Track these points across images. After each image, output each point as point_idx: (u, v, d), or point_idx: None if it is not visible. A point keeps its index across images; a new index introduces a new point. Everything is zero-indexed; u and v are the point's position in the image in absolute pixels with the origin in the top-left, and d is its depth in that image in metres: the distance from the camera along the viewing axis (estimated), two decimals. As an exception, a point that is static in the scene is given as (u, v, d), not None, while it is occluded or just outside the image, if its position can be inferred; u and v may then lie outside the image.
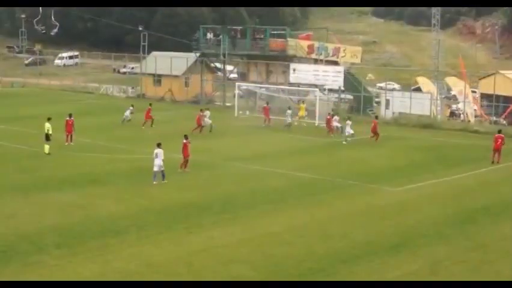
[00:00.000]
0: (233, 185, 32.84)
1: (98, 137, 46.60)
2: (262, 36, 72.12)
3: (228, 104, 65.65)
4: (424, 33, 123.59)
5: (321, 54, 67.66)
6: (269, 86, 67.61)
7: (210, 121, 51.17)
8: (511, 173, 37.82)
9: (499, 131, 40.42)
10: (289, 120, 53.61)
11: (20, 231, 23.63)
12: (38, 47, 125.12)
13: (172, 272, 19.70)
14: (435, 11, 64.65)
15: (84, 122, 51.51)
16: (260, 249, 22.13)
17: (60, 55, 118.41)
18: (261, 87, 67.47)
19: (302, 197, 30.34)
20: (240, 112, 62.75)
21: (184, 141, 35.09)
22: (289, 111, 53.96)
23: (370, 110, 65.57)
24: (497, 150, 39.28)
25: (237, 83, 68.63)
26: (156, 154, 32.13)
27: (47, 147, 39.71)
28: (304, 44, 68.90)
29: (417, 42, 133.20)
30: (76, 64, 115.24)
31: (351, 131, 47.20)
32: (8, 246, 21.87)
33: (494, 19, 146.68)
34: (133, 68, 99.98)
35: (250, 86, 68.75)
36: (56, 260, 20.46)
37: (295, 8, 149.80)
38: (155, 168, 32.06)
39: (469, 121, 60.88)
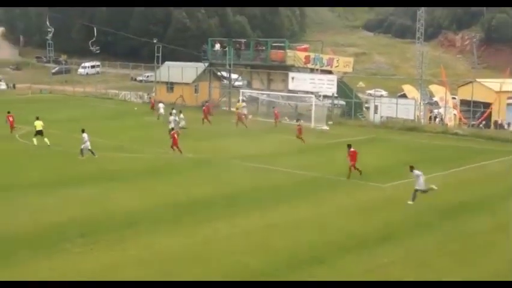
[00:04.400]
0: (237, 181, 32.75)
1: (117, 138, 46.66)
2: (263, 48, 71.92)
3: (233, 109, 65.58)
4: (409, 45, 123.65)
5: (316, 64, 67.73)
6: (270, 92, 67.82)
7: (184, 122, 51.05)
8: (488, 172, 37.71)
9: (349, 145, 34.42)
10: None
11: (47, 223, 23.79)
12: (63, 58, 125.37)
13: (182, 260, 19.84)
14: (420, 26, 64.72)
15: (104, 125, 51.59)
16: (261, 240, 22.17)
17: (83, 65, 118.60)
18: (262, 94, 67.73)
19: (300, 193, 30.28)
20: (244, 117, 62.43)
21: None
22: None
23: (360, 115, 65.67)
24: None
25: (241, 90, 68.88)
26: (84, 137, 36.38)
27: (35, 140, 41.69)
28: (302, 55, 68.80)
29: (403, 54, 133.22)
30: (98, 73, 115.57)
31: None
32: (36, 236, 22.16)
33: (473, 32, 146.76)
34: (148, 76, 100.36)
35: (253, 92, 68.91)
36: (79, 248, 20.67)
37: (294, 22, 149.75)
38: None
39: (447, 124, 60.96)
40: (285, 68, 68.17)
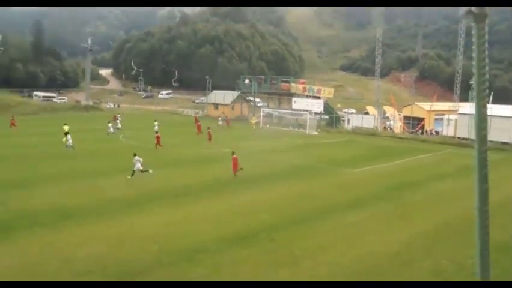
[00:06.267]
0: (253, 168, 31.74)
1: (181, 139, 46.59)
2: (276, 82, 73.30)
3: (256, 121, 65.67)
4: (370, 80, 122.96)
5: (310, 92, 67.93)
6: (280, 110, 68.01)
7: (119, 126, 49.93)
8: (422, 162, 37.27)
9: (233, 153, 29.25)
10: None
11: (135, 192, 23.42)
12: (149, 88, 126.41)
13: (218, 219, 19.39)
14: (377, 68, 64.27)
15: (173, 131, 51.62)
16: (271, 204, 21.92)
17: (161, 92, 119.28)
18: (275, 111, 68.17)
19: (297, 175, 29.86)
20: (264, 125, 62.73)
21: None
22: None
23: (338, 125, 65.57)
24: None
25: (262, 108, 69.27)
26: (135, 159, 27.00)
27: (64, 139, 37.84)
28: (301, 86, 69.28)
29: (366, 86, 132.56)
30: (171, 97, 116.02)
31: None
32: (130, 200, 21.82)
33: (411, 72, 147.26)
34: (202, 99, 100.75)
35: (269, 110, 69.17)
36: (158, 208, 20.41)
37: (296, 65, 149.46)
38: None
39: (395, 131, 60.85)
40: (290, 95, 68.64)
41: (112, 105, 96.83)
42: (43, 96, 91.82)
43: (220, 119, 63.22)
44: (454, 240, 17.16)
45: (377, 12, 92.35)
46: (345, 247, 16.27)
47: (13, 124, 51.54)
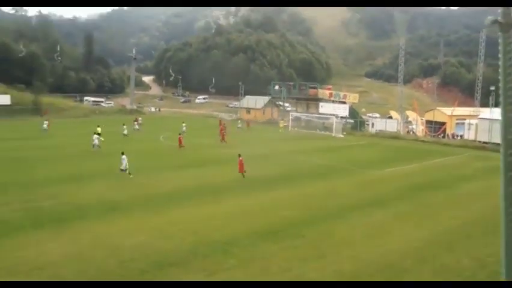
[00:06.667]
0: (281, 168, 31.82)
1: (213, 140, 46.87)
2: (304, 88, 72.97)
3: (285, 124, 65.44)
4: (393, 87, 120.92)
5: (336, 98, 67.26)
6: (308, 114, 67.53)
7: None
8: (443, 164, 36.34)
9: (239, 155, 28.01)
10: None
11: (168, 190, 23.73)
12: (187, 93, 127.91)
13: (250, 214, 19.45)
14: (400, 75, 63.20)
15: (207, 133, 51.95)
16: (302, 201, 21.84)
17: (198, 97, 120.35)
18: (303, 115, 67.77)
19: (326, 175, 29.66)
20: (292, 128, 62.47)
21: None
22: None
23: (363, 129, 64.60)
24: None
25: (291, 112, 69.00)
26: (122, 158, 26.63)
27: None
28: (327, 92, 68.91)
29: (389, 92, 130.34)
30: (206, 102, 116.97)
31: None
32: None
33: (433, 79, 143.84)
34: (236, 104, 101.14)
35: (298, 114, 68.81)
36: (195, 204, 20.58)
37: (323, 72, 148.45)
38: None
39: (416, 135, 59.49)
40: (317, 100, 68.24)
41: (153, 109, 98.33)
42: (92, 101, 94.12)
43: (239, 121, 62.82)
44: (475, 239, 16.67)
45: (400, 22, 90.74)
46: (369, 243, 16.01)
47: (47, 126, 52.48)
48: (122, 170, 26.39)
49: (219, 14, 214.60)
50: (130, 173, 26.22)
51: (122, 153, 27.02)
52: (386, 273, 13.21)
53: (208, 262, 13.66)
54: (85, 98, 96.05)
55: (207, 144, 42.47)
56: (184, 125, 50.76)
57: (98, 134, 38.93)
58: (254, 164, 29.59)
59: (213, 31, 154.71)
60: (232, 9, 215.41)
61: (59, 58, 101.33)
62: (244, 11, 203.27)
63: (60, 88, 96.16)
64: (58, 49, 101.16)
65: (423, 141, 53.51)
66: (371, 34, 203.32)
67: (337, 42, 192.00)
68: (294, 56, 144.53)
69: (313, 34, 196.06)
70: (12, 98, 69.81)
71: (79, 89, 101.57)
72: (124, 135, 45.71)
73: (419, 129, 62.65)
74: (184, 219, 18.21)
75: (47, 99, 77.33)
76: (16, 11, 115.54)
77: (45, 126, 50.17)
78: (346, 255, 14.73)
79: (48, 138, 44.73)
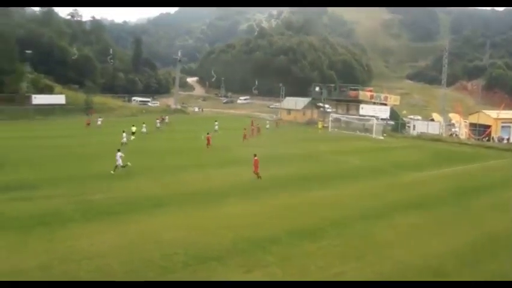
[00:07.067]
0: (319, 168, 31.56)
1: (252, 139, 46.92)
2: (345, 89, 71.91)
3: (325, 125, 64.84)
4: (436, 89, 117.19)
5: (377, 99, 65.98)
6: (348, 116, 66.51)
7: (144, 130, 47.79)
8: (487, 168, 34.75)
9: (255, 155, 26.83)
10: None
11: (208, 187, 23.99)
12: (229, 94, 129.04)
13: (289, 213, 19.22)
14: (444, 76, 61.10)
15: (239, 132, 52.20)
16: (340, 201, 21.44)
17: (240, 98, 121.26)
18: (343, 116, 66.80)
19: (365, 176, 29.04)
20: (332, 129, 61.72)
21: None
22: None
23: (404, 131, 62.91)
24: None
25: (331, 114, 68.20)
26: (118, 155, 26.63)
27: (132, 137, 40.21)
28: (368, 94, 67.57)
29: (431, 94, 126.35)
30: (248, 103, 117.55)
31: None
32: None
33: (478, 81, 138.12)
34: (276, 105, 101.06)
35: (338, 115, 67.89)
36: (235, 201, 20.55)
37: (364, 74, 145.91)
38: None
39: (459, 138, 57.41)
40: (357, 102, 67.01)
41: (196, 109, 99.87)
42: (140, 101, 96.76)
43: (268, 122, 61.73)
44: (521, 245, 15.82)
45: (443, 23, 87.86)
46: (410, 245, 15.53)
47: (88, 124, 54.68)
48: (121, 166, 26.49)
49: (261, 17, 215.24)
50: (117, 167, 26.39)
51: (119, 150, 27.13)
52: (426, 276, 12.77)
53: (247, 258, 13.68)
54: (133, 98, 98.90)
55: (244, 144, 42.63)
56: (216, 123, 51.14)
57: (133, 133, 40.55)
58: (290, 164, 29.41)
59: (256, 33, 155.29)
60: (274, 12, 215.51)
61: (112, 61, 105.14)
62: (285, 13, 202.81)
63: (110, 89, 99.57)
64: (111, 52, 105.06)
65: (466, 144, 51.53)
66: (413, 35, 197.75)
67: (378, 44, 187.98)
68: (334, 58, 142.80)
69: (354, 35, 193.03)
70: (66, 98, 72.91)
71: (128, 90, 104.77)
72: (133, 133, 45.05)
73: (463, 132, 60.50)
74: (226, 215, 18.33)
75: (98, 99, 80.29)
76: (72, 17, 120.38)
77: (99, 122, 54.44)
78: (385, 256, 14.36)
79: (98, 135, 46.38)
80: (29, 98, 68.89)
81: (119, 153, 26.88)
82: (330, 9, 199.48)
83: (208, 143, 38.98)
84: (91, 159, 31.27)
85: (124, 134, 38.26)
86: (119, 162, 26.65)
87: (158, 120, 56.92)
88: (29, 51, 70.72)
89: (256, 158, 26.23)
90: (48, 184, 23.23)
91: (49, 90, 75.14)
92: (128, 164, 27.01)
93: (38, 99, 69.39)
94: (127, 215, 17.93)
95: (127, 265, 12.88)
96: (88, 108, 73.56)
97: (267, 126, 59.05)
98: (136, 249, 14.17)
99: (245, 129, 46.60)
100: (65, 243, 14.51)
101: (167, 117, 63.82)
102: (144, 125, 48.79)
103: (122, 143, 37.11)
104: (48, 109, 68.72)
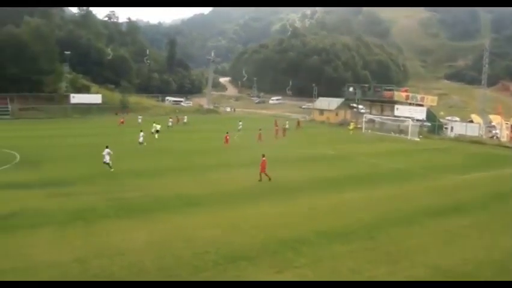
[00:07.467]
0: (353, 170, 31.08)
1: (286, 140, 46.57)
2: (379, 90, 70.54)
3: (359, 126, 63.93)
4: (475, 89, 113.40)
5: (413, 100, 64.53)
6: (382, 117, 65.43)
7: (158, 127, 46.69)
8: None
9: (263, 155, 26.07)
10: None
11: (240, 187, 24.00)
12: (261, 94, 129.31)
13: (321, 214, 19.03)
14: (484, 76, 59.11)
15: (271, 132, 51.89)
16: (375, 203, 21.06)
17: (272, 98, 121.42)
18: (376, 117, 65.79)
19: (399, 179, 28.40)
20: (366, 130, 60.93)
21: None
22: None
23: (441, 132, 61.22)
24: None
25: (364, 114, 67.25)
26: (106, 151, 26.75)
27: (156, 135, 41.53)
28: (403, 94, 66.20)
29: (470, 95, 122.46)
30: (280, 103, 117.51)
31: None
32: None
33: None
34: (309, 105, 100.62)
35: (371, 116, 66.90)
36: (267, 202, 20.49)
37: (399, 74, 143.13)
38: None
39: (500, 140, 55.53)
40: (392, 102, 65.78)
41: (228, 109, 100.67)
42: (173, 101, 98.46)
43: (286, 122, 59.69)
44: None
45: (484, 21, 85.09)
46: (444, 251, 15.09)
47: (122, 123, 56.00)
48: (106, 163, 26.41)
49: (295, 17, 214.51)
50: (111, 167, 26.52)
51: (107, 147, 27.02)
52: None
53: (278, 259, 13.66)
54: (167, 97, 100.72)
55: (276, 144, 42.59)
56: (240, 123, 51.20)
57: (157, 131, 41.90)
58: (321, 165, 29.14)
59: (289, 33, 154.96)
60: (308, 12, 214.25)
61: (148, 61, 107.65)
62: (319, 13, 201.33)
63: (145, 88, 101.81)
64: (147, 53, 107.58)
65: (507, 146, 49.60)
66: (452, 34, 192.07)
67: (415, 43, 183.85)
68: (369, 58, 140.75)
69: (390, 35, 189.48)
70: (103, 97, 75.07)
71: (162, 90, 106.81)
72: (157, 131, 45.15)
73: (504, 134, 58.28)
74: (256, 215, 18.37)
75: (133, 99, 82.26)
76: (109, 18, 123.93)
77: (139, 120, 56.85)
78: (419, 261, 14.01)
79: (131, 134, 47.36)
80: (67, 97, 71.40)
81: (107, 150, 26.76)
82: (365, 8, 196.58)
83: (226, 142, 39.18)
84: (124, 158, 31.99)
85: (141, 133, 38.73)
86: (106, 159, 26.50)
87: (171, 120, 57.65)
88: (68, 52, 73.26)
89: (264, 158, 25.59)
90: (84, 181, 24.01)
91: (86, 90, 77.65)
92: (112, 170, 26.49)
93: (76, 98, 71.89)
94: (159, 212, 18.26)
95: (159, 262, 13.11)
96: (123, 108, 75.46)
97: (286, 126, 57.36)
98: (167, 246, 14.41)
99: (260, 129, 46.14)
100: (99, 239, 14.92)
101: (185, 117, 64.49)
102: (154, 124, 48.71)
103: (139, 143, 37.63)
104: (86, 108, 71.00)
